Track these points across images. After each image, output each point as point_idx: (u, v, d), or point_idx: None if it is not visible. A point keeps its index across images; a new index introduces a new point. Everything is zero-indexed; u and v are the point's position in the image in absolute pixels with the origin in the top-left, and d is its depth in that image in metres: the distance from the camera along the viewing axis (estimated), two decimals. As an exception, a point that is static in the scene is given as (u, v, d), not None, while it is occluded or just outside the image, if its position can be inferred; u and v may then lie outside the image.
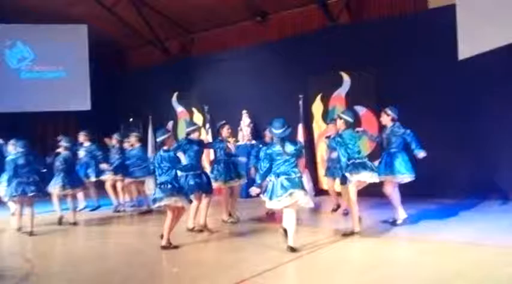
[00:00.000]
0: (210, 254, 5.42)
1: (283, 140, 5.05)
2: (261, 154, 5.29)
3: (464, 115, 8.28)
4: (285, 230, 5.04)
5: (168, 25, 12.45)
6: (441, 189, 8.29)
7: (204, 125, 12.00)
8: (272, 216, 7.32)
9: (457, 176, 8.30)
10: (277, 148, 5.02)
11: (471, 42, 7.52)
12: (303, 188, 5.03)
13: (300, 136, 9.39)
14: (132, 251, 5.68)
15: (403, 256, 4.82)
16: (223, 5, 11.30)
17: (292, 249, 4.91)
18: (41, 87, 12.73)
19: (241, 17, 11.60)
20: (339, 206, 7.43)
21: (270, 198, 5.01)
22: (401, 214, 6.17)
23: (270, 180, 5.06)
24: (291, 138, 5.38)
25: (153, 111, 13.11)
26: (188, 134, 6.71)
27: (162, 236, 5.49)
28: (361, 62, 9.53)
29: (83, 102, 12.79)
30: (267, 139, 7.51)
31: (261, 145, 7.28)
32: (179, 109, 12.93)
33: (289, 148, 5.02)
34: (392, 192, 6.14)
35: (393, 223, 6.21)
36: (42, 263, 5.23)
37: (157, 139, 5.69)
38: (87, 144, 9.32)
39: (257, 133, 10.98)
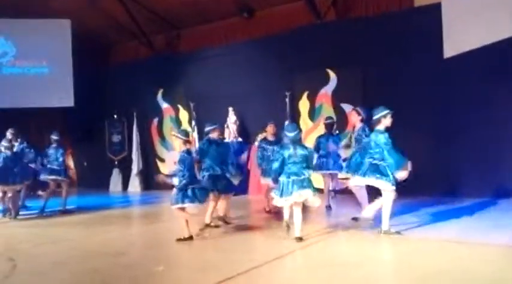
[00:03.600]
0: (197, 253, 5.36)
1: (295, 143, 5.44)
2: (276, 155, 5.68)
3: (453, 112, 8.35)
4: (288, 225, 5.60)
5: (153, 20, 12.32)
6: (426, 187, 8.30)
7: (190, 122, 11.95)
8: (276, 214, 7.32)
9: (443, 174, 8.38)
10: (290, 150, 5.39)
11: (456, 41, 7.60)
12: (310, 188, 5.32)
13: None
14: (117, 251, 5.59)
15: (387, 254, 4.84)
16: (210, 1, 11.22)
17: (300, 239, 5.30)
18: (23, 82, 12.50)
19: (228, 13, 11.54)
20: (329, 206, 7.41)
21: (280, 196, 5.39)
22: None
23: (281, 179, 5.40)
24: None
25: (138, 107, 13.01)
26: (207, 133, 6.59)
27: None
28: (348, 59, 9.56)
29: (66, 99, 12.56)
30: (268, 134, 7.57)
31: (264, 145, 7.40)
32: (164, 105, 12.82)
33: (300, 151, 5.40)
34: (358, 189, 6.19)
35: (356, 218, 6.27)
36: (27, 262, 5.11)
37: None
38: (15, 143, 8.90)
39: (243, 130, 10.96)
